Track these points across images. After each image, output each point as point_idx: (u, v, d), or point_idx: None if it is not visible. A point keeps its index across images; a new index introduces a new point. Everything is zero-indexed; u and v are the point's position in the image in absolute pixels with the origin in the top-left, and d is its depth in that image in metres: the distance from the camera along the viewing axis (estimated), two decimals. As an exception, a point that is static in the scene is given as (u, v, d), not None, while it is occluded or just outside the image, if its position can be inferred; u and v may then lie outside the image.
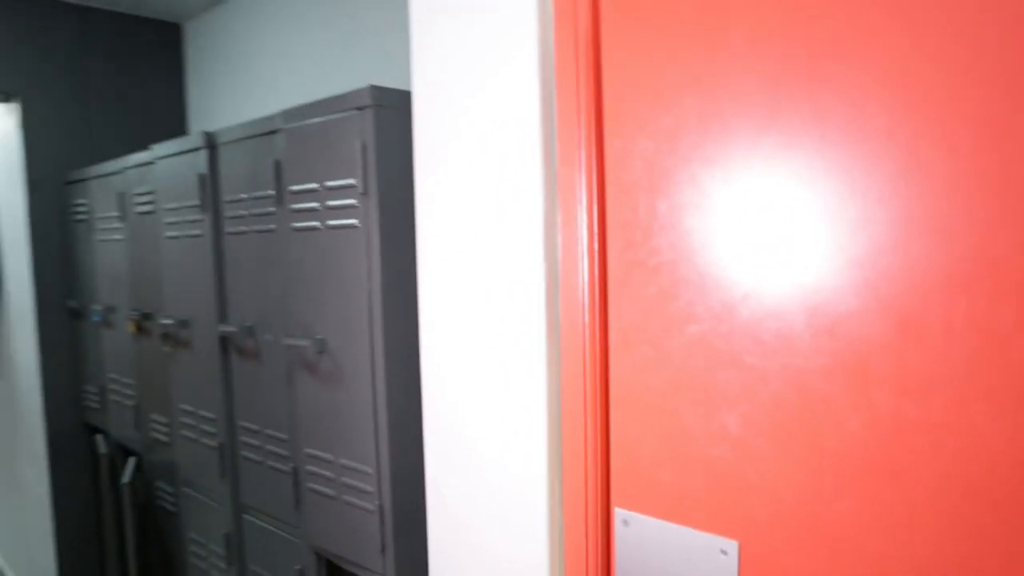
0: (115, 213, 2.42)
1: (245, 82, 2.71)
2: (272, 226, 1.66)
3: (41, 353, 2.88)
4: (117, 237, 2.44)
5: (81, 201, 2.70)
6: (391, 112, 1.37)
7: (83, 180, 2.68)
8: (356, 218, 1.40)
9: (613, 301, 0.88)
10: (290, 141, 1.56)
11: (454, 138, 1.03)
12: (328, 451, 1.55)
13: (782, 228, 0.71)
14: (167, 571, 2.40)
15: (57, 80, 2.85)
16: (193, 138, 1.88)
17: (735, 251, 0.75)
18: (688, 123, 0.79)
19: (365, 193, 1.38)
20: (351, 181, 1.40)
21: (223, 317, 1.86)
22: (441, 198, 1.05)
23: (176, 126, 3.08)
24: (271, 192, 1.64)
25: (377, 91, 1.35)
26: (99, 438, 2.70)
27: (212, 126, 2.84)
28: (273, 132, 1.63)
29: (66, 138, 2.87)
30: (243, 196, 1.75)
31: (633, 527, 0.87)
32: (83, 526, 2.98)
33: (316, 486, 1.60)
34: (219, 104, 2.88)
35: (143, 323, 2.30)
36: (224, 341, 1.87)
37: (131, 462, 2.47)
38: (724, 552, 0.78)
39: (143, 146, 2.38)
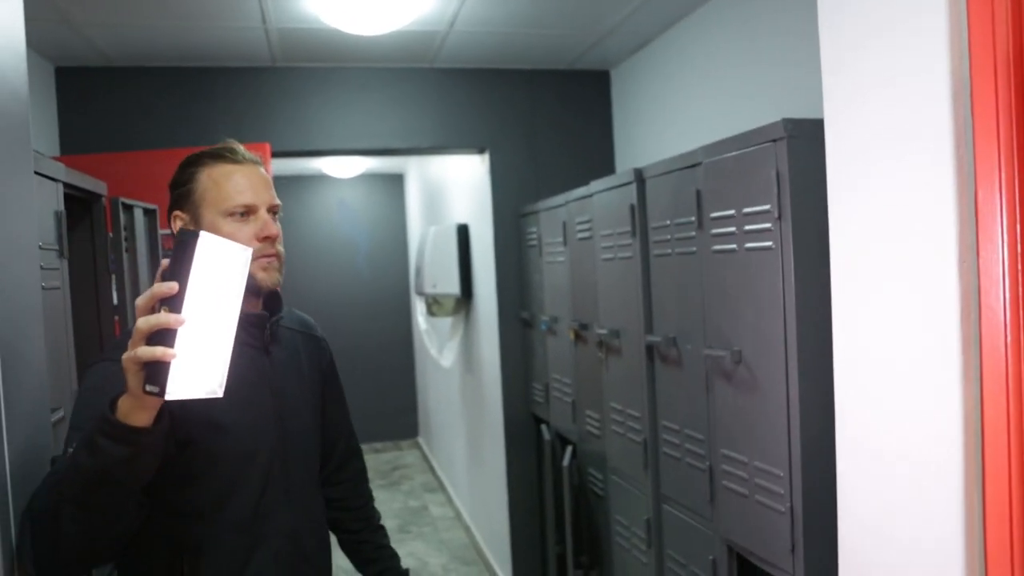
0: (559, 239, 2.90)
1: (663, 119, 3.01)
2: (693, 249, 1.88)
3: (501, 354, 3.54)
4: (560, 259, 2.91)
5: (532, 230, 3.27)
6: (802, 142, 1.49)
7: (534, 212, 3.24)
8: (770, 241, 1.54)
9: (1036, 320, 0.89)
10: (709, 173, 1.77)
11: (865, 163, 1.12)
12: (742, 453, 1.71)
13: None
14: (595, 546, 2.78)
15: (515, 132, 3.49)
16: (624, 174, 2.20)
17: None
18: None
19: (779, 218, 1.51)
20: (766, 207, 1.55)
21: (649, 328, 2.14)
22: (854, 221, 1.15)
23: (606, 164, 3.53)
24: (692, 219, 1.86)
25: (789, 124, 1.48)
26: (543, 427, 3.23)
27: (636, 162, 3.20)
28: (694, 165, 1.85)
29: (520, 179, 3.50)
30: (667, 223, 2.00)
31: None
32: (528, 499, 3.56)
33: (730, 484, 1.77)
34: (641, 141, 3.24)
35: (581, 332, 2.72)
36: (650, 349, 2.15)
37: (569, 449, 2.91)
38: None
39: (580, 183, 2.82)
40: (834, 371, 1.19)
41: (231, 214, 1.25)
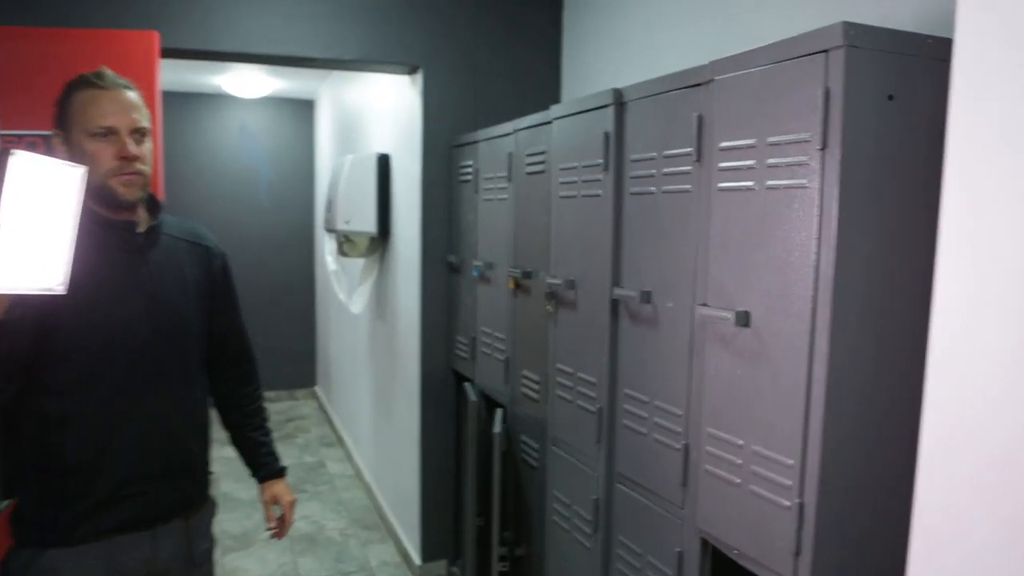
0: (502, 173, 2.53)
1: (626, 47, 2.66)
2: (687, 186, 1.55)
3: (421, 302, 3.16)
4: (502, 197, 2.54)
5: (467, 163, 2.88)
6: (864, 54, 1.17)
7: (471, 143, 2.85)
8: (805, 178, 1.23)
9: None
10: (721, 93, 1.44)
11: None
12: (736, 434, 1.42)
13: None
14: (524, 520, 2.49)
15: (452, 52, 3.06)
16: (600, 96, 1.84)
17: None
18: None
19: (823, 149, 1.20)
20: (804, 135, 1.23)
21: (617, 280, 1.82)
22: (986, 163, 0.84)
23: (552, 97, 3.15)
24: (689, 150, 1.53)
25: (852, 29, 1.16)
26: (469, 386, 2.89)
27: (583, 92, 2.85)
28: (697, 85, 1.52)
29: (456, 106, 3.08)
30: (652, 155, 1.67)
31: None
32: (444, 463, 3.24)
33: (715, 469, 1.48)
34: (596, 74, 2.88)
35: (523, 281, 2.37)
36: (615, 305, 1.83)
37: (499, 413, 2.59)
38: None
39: (520, 114, 2.44)
40: (930, 348, 0.90)
41: (93, 135, 1.40)
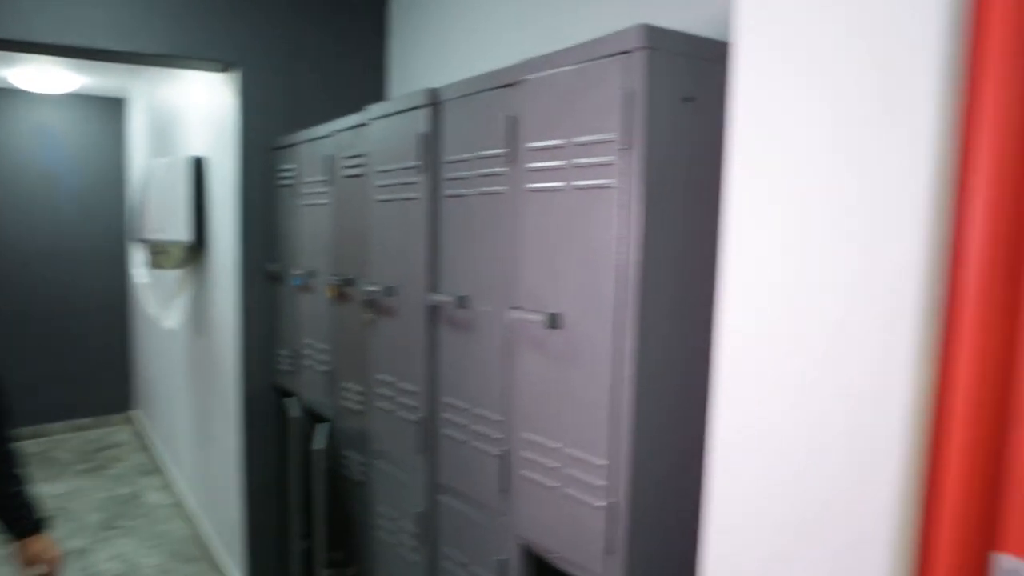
0: (321, 177, 2.42)
1: (456, 47, 2.63)
2: (500, 188, 1.53)
3: (242, 315, 2.96)
4: (322, 201, 2.43)
5: (288, 166, 2.74)
6: (664, 56, 1.19)
7: (291, 145, 2.71)
8: (611, 177, 1.24)
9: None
10: (530, 93, 1.42)
11: (792, 84, 0.83)
12: (551, 437, 1.41)
13: None
14: (352, 538, 2.37)
15: (272, 50, 2.90)
16: (414, 96, 1.79)
17: None
18: None
19: (627, 148, 1.20)
20: (608, 136, 1.24)
21: (434, 285, 1.77)
22: (764, 162, 0.86)
23: (379, 97, 3.06)
24: (502, 150, 1.51)
25: (651, 32, 1.18)
26: (291, 401, 2.73)
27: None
28: (509, 85, 1.50)
29: (275, 105, 2.92)
30: (466, 156, 1.64)
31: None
32: (268, 483, 3.04)
33: (531, 474, 1.46)
34: (421, 69, 2.83)
35: (343, 288, 2.27)
36: (433, 311, 1.78)
37: (322, 428, 2.46)
38: None
39: (345, 115, 2.35)
40: (714, 352, 0.91)
41: None
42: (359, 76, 3.04)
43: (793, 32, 0.84)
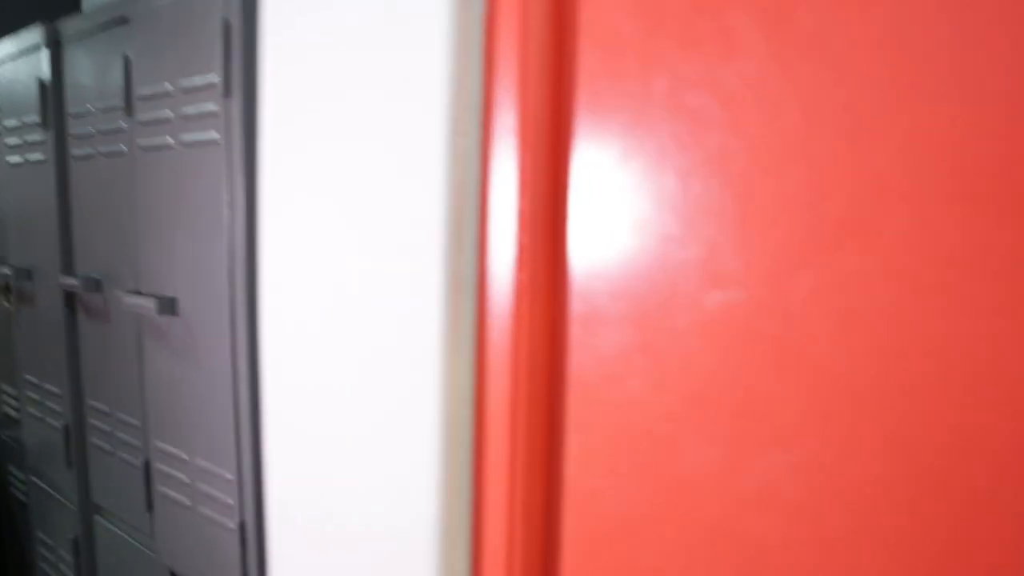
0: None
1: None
2: (122, 146, 1.25)
3: None
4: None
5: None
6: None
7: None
8: (215, 130, 1.01)
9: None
10: (141, 30, 1.16)
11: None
12: (181, 447, 1.17)
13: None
14: (17, 571, 2.00)
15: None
16: (29, 34, 1.45)
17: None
18: None
19: (228, 94, 0.98)
20: (211, 78, 1.01)
21: (67, 266, 1.45)
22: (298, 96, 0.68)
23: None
24: (120, 101, 1.23)
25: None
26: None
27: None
28: (123, 22, 1.22)
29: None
30: (90, 108, 1.34)
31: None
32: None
33: (168, 491, 1.22)
34: None
35: (-10, 273, 1.87)
36: (70, 297, 1.46)
37: (-20, 441, 2.04)
38: None
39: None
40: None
41: None
42: None
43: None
